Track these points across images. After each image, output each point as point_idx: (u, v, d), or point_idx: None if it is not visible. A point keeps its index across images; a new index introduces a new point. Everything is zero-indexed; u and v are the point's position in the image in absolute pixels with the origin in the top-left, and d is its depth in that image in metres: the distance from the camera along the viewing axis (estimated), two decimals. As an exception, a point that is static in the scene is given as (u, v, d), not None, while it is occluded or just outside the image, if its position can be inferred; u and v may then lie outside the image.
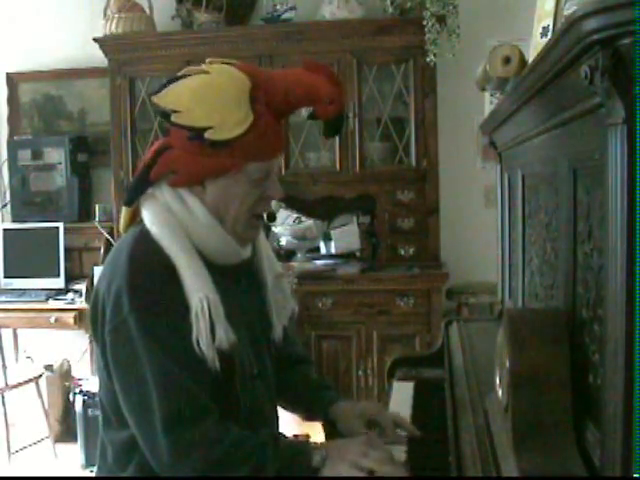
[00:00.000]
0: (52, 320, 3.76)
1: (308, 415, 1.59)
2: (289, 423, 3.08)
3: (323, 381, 1.63)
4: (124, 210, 1.38)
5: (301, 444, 1.31)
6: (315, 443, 1.29)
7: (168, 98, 1.29)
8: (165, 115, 1.29)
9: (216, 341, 1.25)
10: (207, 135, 1.24)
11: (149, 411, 1.22)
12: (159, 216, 1.30)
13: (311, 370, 1.63)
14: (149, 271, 1.26)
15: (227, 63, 1.32)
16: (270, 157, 1.32)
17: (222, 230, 1.32)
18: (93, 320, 1.32)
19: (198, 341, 1.23)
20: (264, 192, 1.33)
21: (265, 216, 1.39)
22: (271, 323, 1.48)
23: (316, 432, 3.20)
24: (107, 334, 1.26)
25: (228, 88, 1.27)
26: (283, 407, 1.59)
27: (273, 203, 1.41)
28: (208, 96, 1.27)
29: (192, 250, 1.29)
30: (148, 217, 1.31)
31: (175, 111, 1.27)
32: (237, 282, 1.41)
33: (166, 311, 1.24)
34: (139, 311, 1.22)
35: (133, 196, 1.35)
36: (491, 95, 3.48)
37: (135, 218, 1.38)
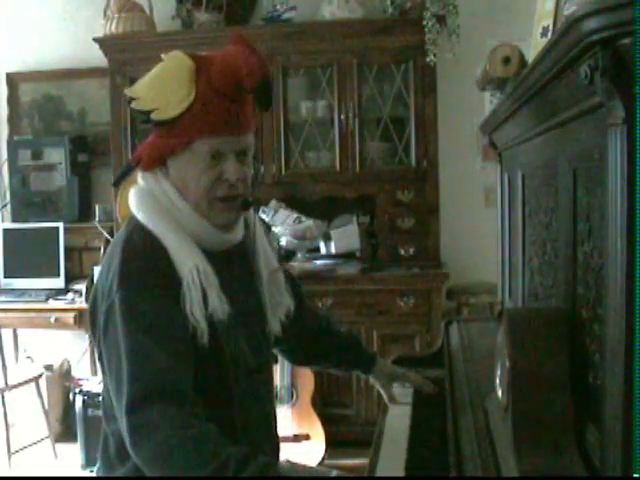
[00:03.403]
0: (52, 320, 3.76)
1: (349, 373, 1.81)
2: (290, 422, 3.10)
3: (357, 340, 1.80)
4: (118, 196, 1.45)
5: (275, 472, 1.18)
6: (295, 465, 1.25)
7: (133, 88, 1.37)
8: (129, 103, 1.37)
9: (209, 309, 1.28)
10: (152, 117, 1.32)
11: (120, 391, 1.21)
12: (144, 202, 1.37)
13: (343, 330, 1.79)
14: (140, 254, 1.30)
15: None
16: (216, 134, 1.32)
17: (195, 213, 1.35)
18: (92, 314, 1.35)
19: (192, 312, 1.26)
20: (221, 174, 1.34)
21: (240, 202, 1.38)
22: (267, 318, 1.48)
23: (315, 433, 3.20)
24: (100, 320, 1.28)
25: (171, 70, 1.33)
26: (322, 368, 1.83)
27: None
28: (154, 81, 1.35)
29: (179, 229, 1.33)
30: (134, 204, 1.37)
31: (134, 99, 1.35)
32: (229, 270, 1.41)
33: (154, 291, 1.26)
34: (124, 290, 1.25)
35: (118, 178, 1.46)
36: (491, 95, 3.49)
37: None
